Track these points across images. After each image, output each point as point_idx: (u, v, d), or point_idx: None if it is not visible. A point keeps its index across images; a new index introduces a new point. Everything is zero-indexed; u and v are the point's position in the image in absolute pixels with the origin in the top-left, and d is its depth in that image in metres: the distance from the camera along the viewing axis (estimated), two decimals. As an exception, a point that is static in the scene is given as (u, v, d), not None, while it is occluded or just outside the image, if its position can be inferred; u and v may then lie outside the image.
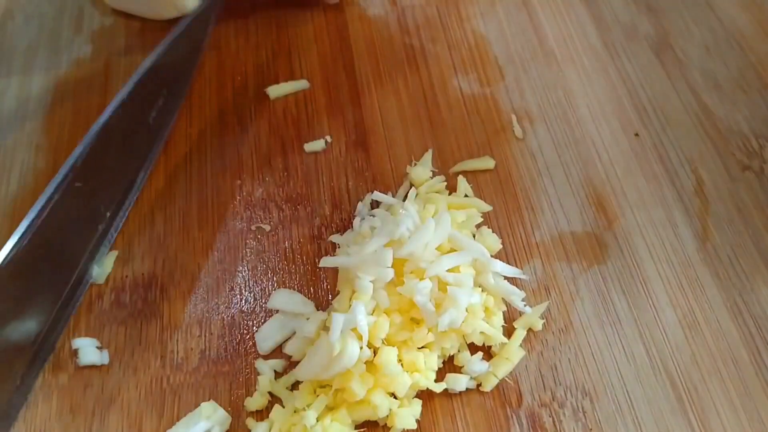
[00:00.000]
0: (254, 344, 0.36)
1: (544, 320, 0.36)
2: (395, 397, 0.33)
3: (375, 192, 0.40)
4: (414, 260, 0.34)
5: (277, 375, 0.35)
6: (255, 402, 0.34)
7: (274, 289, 0.38)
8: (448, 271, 0.34)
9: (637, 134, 0.42)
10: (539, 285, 0.37)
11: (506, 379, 0.34)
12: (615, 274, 0.37)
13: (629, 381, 0.34)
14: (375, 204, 0.41)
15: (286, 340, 0.36)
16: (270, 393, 0.35)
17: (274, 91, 0.46)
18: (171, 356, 0.37)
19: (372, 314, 0.33)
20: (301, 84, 0.46)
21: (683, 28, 0.47)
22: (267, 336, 0.36)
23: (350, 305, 0.33)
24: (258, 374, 0.35)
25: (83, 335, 0.37)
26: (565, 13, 0.48)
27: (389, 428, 0.33)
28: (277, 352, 0.36)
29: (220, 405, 0.35)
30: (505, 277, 0.37)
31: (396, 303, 0.34)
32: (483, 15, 0.49)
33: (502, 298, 0.36)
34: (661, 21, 0.47)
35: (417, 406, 0.33)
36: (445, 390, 0.34)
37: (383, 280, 0.33)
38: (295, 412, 0.33)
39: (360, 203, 0.40)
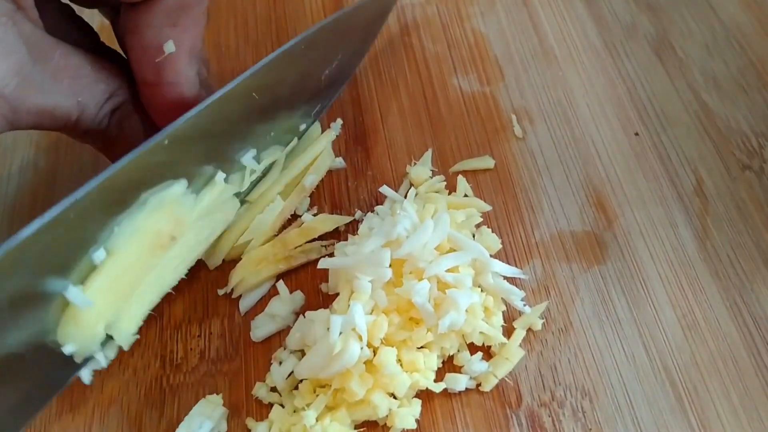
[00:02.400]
0: (254, 344, 0.37)
1: (544, 320, 0.36)
2: (395, 397, 0.33)
3: (384, 186, 0.40)
4: (413, 260, 0.34)
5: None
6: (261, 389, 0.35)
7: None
8: (447, 271, 0.34)
9: (636, 133, 0.42)
10: (539, 285, 0.37)
11: (506, 379, 0.34)
12: (615, 274, 0.37)
13: (629, 381, 0.34)
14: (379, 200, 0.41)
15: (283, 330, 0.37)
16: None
17: (274, 90, 0.46)
18: (171, 356, 0.37)
19: (371, 314, 0.33)
20: (301, 83, 0.46)
21: (683, 27, 0.46)
22: (260, 324, 0.37)
23: (349, 306, 0.33)
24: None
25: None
26: (564, 12, 0.48)
27: (389, 428, 0.33)
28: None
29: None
30: (505, 277, 0.36)
31: (395, 303, 0.34)
32: (483, 14, 0.49)
33: (502, 298, 0.36)
34: (661, 20, 0.47)
35: (416, 406, 0.33)
36: (445, 390, 0.34)
37: (381, 280, 0.33)
38: (294, 411, 0.34)
39: (359, 211, 0.40)
